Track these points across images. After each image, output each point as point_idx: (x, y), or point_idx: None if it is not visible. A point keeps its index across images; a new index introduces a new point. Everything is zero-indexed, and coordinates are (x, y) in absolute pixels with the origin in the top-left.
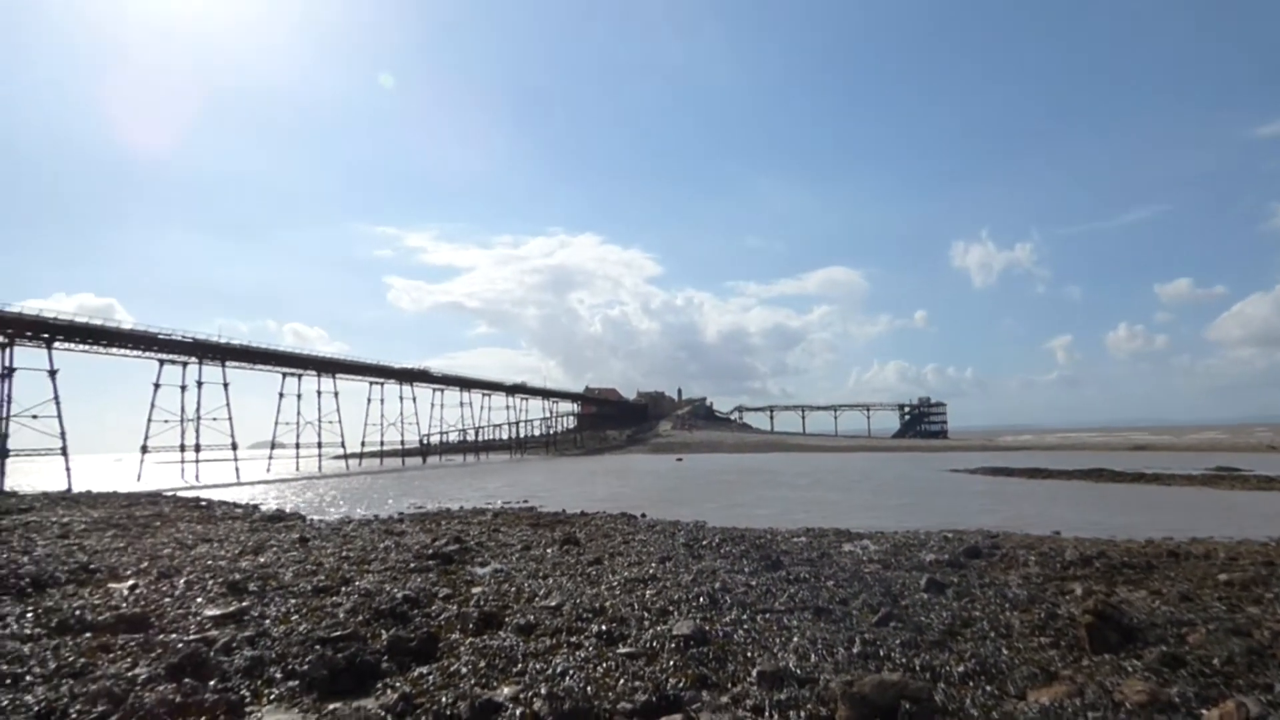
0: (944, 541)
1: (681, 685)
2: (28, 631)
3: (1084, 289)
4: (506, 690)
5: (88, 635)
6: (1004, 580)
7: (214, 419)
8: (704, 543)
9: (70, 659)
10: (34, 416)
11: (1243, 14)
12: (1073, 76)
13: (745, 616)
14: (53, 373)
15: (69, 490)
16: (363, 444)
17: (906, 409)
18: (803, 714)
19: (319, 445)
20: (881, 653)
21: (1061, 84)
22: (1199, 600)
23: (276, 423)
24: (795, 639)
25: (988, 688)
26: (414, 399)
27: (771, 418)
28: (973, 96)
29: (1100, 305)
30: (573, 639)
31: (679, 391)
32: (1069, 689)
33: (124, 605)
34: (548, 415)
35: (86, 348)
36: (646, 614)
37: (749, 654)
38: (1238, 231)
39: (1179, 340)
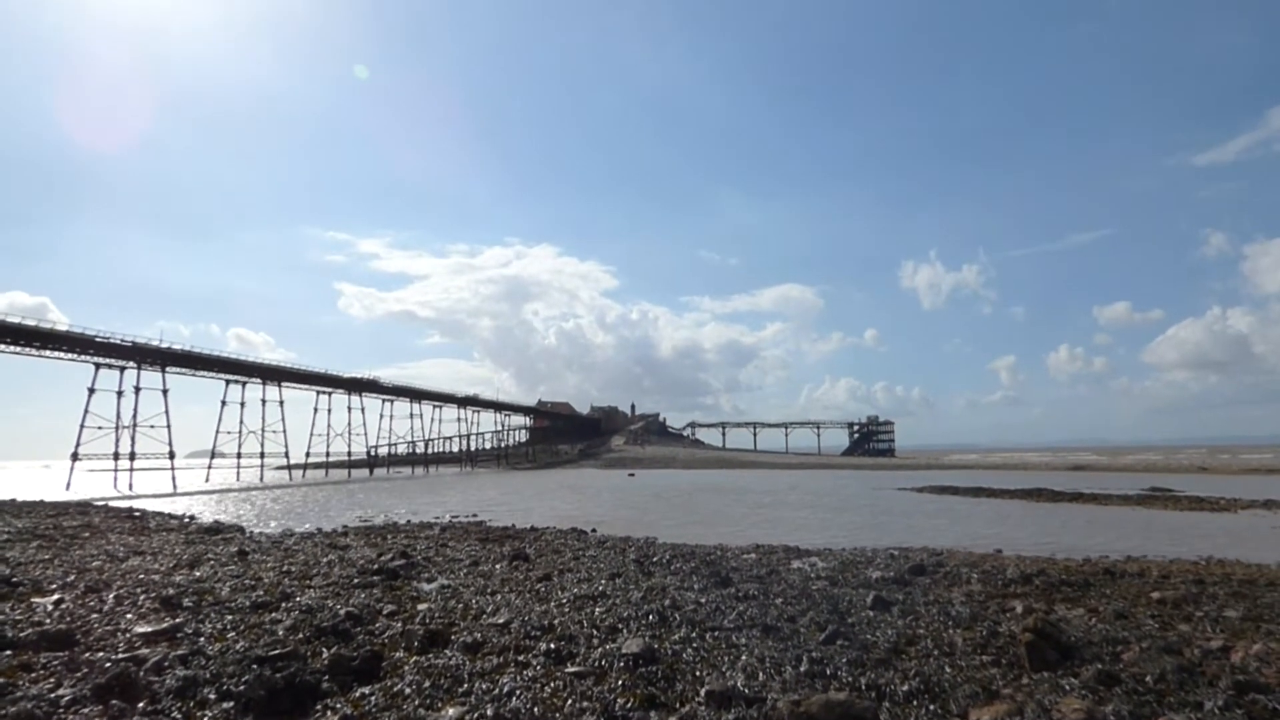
0: (890, 559)
1: (630, 705)
2: None
3: (1028, 310)
4: (451, 711)
5: (8, 653)
6: (948, 598)
7: (151, 426)
8: (654, 559)
9: None
10: None
11: (1182, 48)
12: (1023, 104)
13: (694, 634)
14: None
15: None
16: (307, 455)
17: (855, 427)
18: None
19: (261, 455)
20: (828, 671)
21: (1012, 111)
22: (1133, 618)
23: (217, 431)
24: (744, 657)
25: (931, 706)
26: (362, 409)
27: (723, 434)
28: (926, 121)
29: (1042, 327)
30: (520, 657)
31: (632, 407)
32: (1009, 707)
33: (48, 621)
34: (499, 428)
35: (17, 349)
36: (595, 632)
37: (698, 673)
38: (1174, 257)
39: (1117, 362)
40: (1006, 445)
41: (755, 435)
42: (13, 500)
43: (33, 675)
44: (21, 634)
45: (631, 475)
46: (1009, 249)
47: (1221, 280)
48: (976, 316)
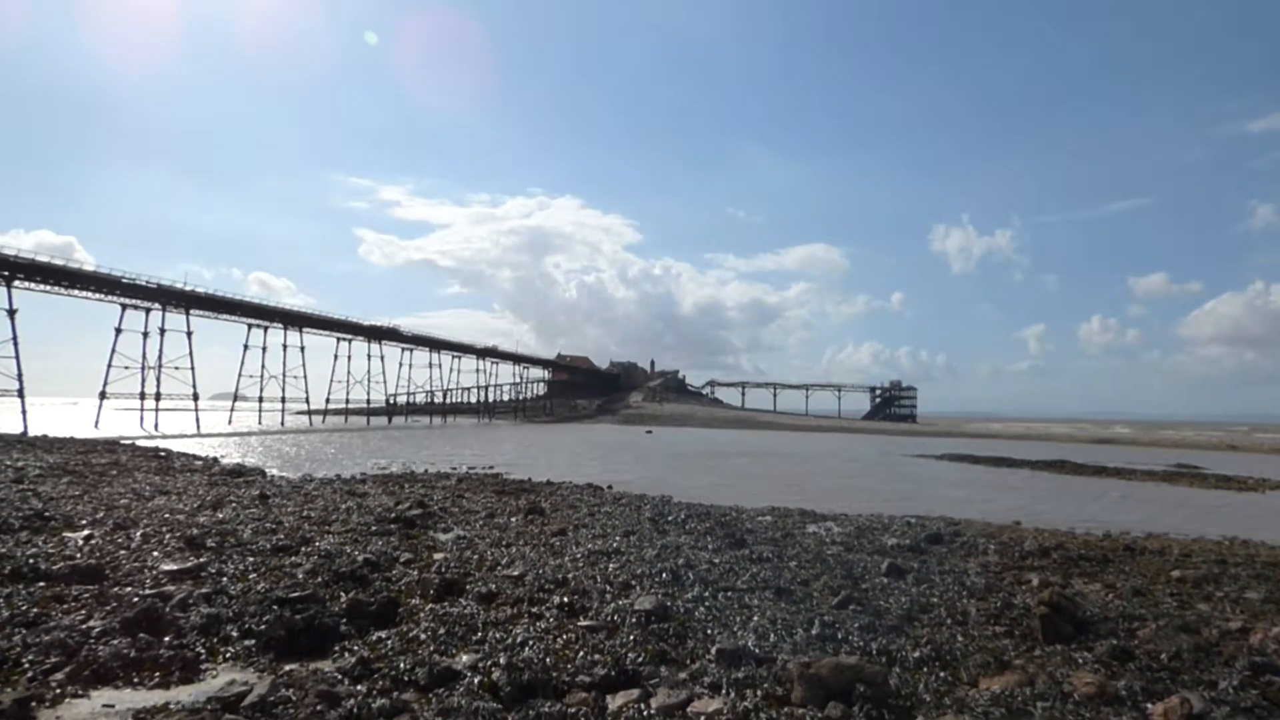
0: (906, 526)
1: (641, 660)
2: None
3: (1060, 278)
4: (465, 658)
5: (41, 585)
6: (963, 568)
7: (176, 368)
8: (669, 518)
9: (23, 608)
10: None
11: (1238, 7)
12: (1065, 66)
13: (707, 594)
14: (11, 312)
15: (24, 433)
16: (327, 401)
17: (877, 392)
18: (759, 693)
19: (283, 400)
20: (840, 635)
21: (1053, 73)
22: (1151, 596)
23: (240, 375)
24: (755, 618)
25: (941, 674)
26: (382, 357)
27: (743, 394)
28: (964, 80)
29: (1075, 296)
30: (534, 609)
31: (651, 363)
32: (1020, 678)
33: (79, 555)
34: (518, 381)
35: (47, 288)
36: (609, 587)
37: (709, 631)
38: (1217, 228)
39: (1150, 334)
40: (1031, 415)
41: (775, 396)
42: (44, 436)
43: (65, 607)
44: (54, 567)
45: (649, 432)
46: (1044, 215)
47: (1267, 254)
48: (1007, 283)
